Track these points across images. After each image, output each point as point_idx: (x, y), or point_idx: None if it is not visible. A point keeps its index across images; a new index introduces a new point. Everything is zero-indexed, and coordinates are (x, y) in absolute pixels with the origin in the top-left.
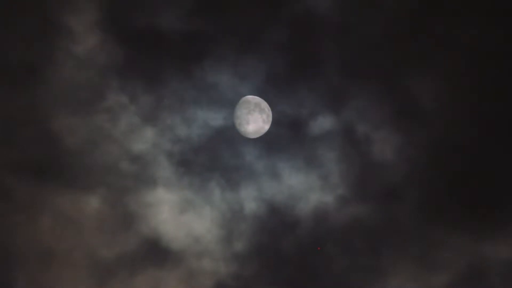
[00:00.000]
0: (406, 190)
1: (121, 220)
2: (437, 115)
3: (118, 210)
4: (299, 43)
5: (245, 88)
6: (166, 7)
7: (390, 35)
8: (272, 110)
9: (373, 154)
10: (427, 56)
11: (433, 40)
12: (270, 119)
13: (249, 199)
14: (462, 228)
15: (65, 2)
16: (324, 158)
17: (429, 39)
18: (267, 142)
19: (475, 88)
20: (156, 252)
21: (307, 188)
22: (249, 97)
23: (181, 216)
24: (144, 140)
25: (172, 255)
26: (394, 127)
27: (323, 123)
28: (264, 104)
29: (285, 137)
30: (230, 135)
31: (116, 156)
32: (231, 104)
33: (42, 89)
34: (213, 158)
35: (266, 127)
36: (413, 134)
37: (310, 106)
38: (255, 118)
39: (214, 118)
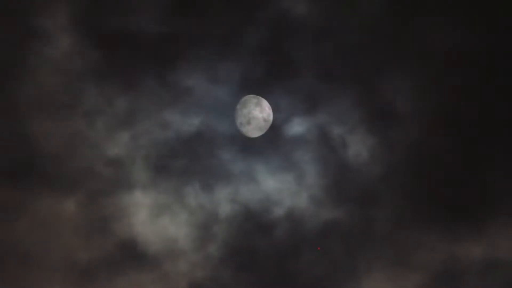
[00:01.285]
0: (381, 192)
1: (97, 223)
2: (412, 117)
3: (95, 214)
4: (275, 46)
5: (221, 92)
6: (142, 9)
7: (366, 37)
8: (247, 113)
9: (349, 157)
10: (404, 59)
11: (410, 43)
12: (271, 118)
13: (225, 202)
14: (437, 229)
15: (39, 5)
16: (300, 160)
17: (406, 42)
18: (243, 145)
19: (452, 89)
20: (133, 255)
21: (283, 191)
22: (250, 96)
23: (158, 219)
24: (121, 143)
25: (148, 258)
26: (370, 130)
27: (299, 125)
28: (265, 103)
29: (262, 140)
30: (206, 139)
31: (92, 160)
32: (206, 107)
33: (18, 93)
34: (189, 162)
35: (267, 126)
36: (389, 137)
37: (286, 109)
38: (255, 118)
39: (190, 122)
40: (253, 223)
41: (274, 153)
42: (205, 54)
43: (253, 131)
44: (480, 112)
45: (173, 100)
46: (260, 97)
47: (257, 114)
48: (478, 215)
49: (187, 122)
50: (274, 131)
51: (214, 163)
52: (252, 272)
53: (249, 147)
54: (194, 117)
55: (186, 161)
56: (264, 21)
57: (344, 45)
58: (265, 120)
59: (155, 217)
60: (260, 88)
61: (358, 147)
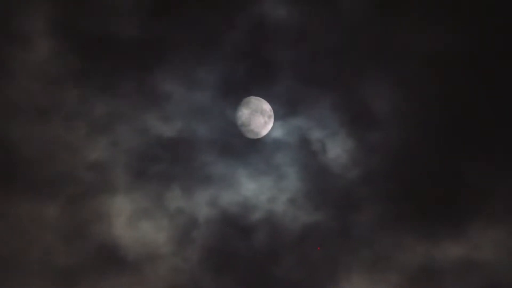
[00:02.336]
0: (361, 195)
1: (78, 227)
2: (391, 120)
3: (75, 218)
4: (255, 50)
5: (201, 96)
6: (122, 13)
7: (346, 41)
8: (227, 118)
9: (328, 160)
10: (384, 61)
11: (390, 45)
12: (272, 119)
13: (205, 206)
14: (417, 230)
15: (18, 8)
16: (280, 164)
17: (387, 44)
18: (223, 149)
19: (433, 91)
20: (113, 259)
21: (262, 194)
22: (252, 97)
23: (138, 223)
24: (101, 148)
25: (128, 262)
26: (349, 133)
27: (279, 129)
28: (267, 105)
29: (241, 144)
30: (186, 143)
31: (72, 164)
32: (186, 111)
33: None
34: (169, 166)
35: (268, 127)
36: (369, 140)
37: (266, 114)
38: (257, 119)
39: (170, 126)
40: (233, 226)
41: (254, 156)
42: (185, 58)
43: (253, 132)
44: (461, 113)
45: (153, 104)
46: (261, 99)
47: (258, 115)
48: (457, 216)
49: (167, 126)
50: (254, 135)
51: (194, 167)
52: (231, 276)
53: (229, 151)
54: (174, 121)
55: (166, 165)
56: (244, 24)
57: (324, 49)
58: (265, 122)
59: (135, 221)
60: (240, 92)
61: (338, 150)
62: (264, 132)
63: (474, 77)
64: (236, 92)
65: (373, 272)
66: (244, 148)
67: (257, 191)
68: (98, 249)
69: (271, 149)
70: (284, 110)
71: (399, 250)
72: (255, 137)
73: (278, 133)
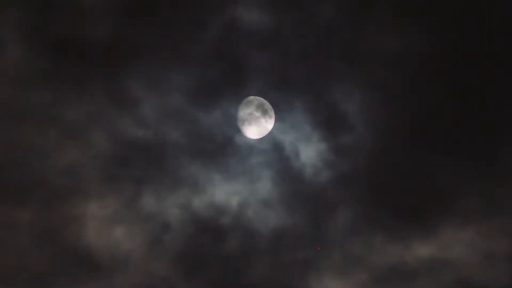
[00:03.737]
0: (333, 197)
1: (49, 232)
2: (362, 123)
3: (47, 223)
4: (227, 54)
5: (173, 99)
6: (92, 18)
7: (318, 44)
8: (199, 122)
9: (301, 163)
10: (356, 64)
11: (361, 48)
12: (273, 120)
13: (177, 210)
14: (388, 231)
15: None
16: (253, 168)
17: (358, 47)
18: (195, 153)
19: (401, 93)
20: (85, 264)
21: (235, 198)
22: (252, 97)
23: (110, 228)
24: (73, 153)
25: (100, 266)
26: (322, 136)
27: (252, 133)
28: (267, 105)
29: (213, 148)
30: (158, 147)
31: (45, 169)
32: (158, 115)
33: None
34: (141, 170)
35: (269, 127)
36: (341, 143)
37: (238, 117)
38: (257, 119)
39: (142, 130)
40: (205, 230)
41: (226, 160)
42: (156, 62)
43: (253, 132)
44: (429, 115)
45: (125, 107)
46: (262, 99)
47: (259, 115)
48: (427, 217)
49: (139, 130)
50: (227, 139)
51: (166, 171)
52: (204, 279)
53: (201, 154)
54: (146, 124)
55: (138, 169)
56: (216, 28)
57: (297, 52)
58: (266, 122)
59: (108, 225)
60: (211, 96)
61: (311, 153)
62: (264, 132)
63: (441, 77)
64: (208, 95)
65: (344, 273)
66: (216, 152)
67: (230, 195)
68: (71, 253)
69: (244, 152)
70: (257, 113)
71: (370, 251)
72: (255, 137)
73: (251, 137)
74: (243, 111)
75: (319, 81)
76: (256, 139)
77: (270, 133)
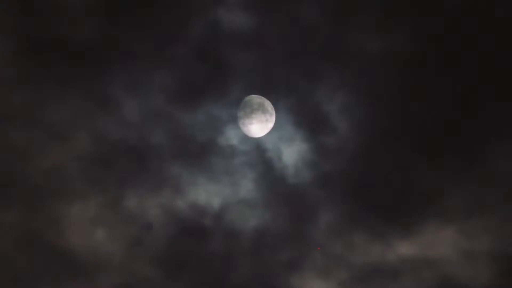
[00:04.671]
0: (314, 197)
1: (31, 234)
2: (344, 124)
3: (29, 225)
4: (209, 55)
5: (156, 101)
6: (71, 15)
7: (300, 45)
8: (182, 123)
9: (283, 164)
10: (338, 65)
11: (344, 49)
12: (274, 118)
13: (160, 211)
14: (369, 231)
15: None
16: (235, 168)
17: (340, 48)
18: (177, 154)
19: (383, 92)
20: (67, 265)
21: (218, 198)
22: (253, 96)
23: (92, 229)
24: (55, 155)
25: (82, 268)
26: (304, 137)
27: (234, 134)
28: (268, 104)
29: (196, 149)
30: (141, 149)
31: (27, 172)
32: (141, 116)
33: None
34: (124, 172)
35: (270, 126)
36: (323, 143)
37: (221, 117)
38: (258, 117)
39: (125, 131)
40: (188, 231)
41: (209, 161)
42: (139, 62)
43: (255, 130)
44: (411, 115)
45: (108, 109)
46: (263, 97)
47: (260, 113)
48: (408, 216)
49: (121, 132)
50: (209, 139)
51: (149, 172)
52: (186, 279)
53: (184, 156)
54: (129, 126)
55: (121, 171)
56: (198, 28)
57: (279, 53)
58: (267, 120)
59: (90, 227)
60: (194, 97)
61: (293, 154)
62: (265, 130)
63: (423, 78)
64: (190, 96)
65: (326, 273)
66: (199, 153)
67: (212, 195)
68: (53, 254)
69: (226, 153)
70: (239, 114)
71: (352, 251)
72: (255, 136)
73: (234, 137)
74: (244, 110)
75: (302, 81)
76: (239, 140)
77: (254, 133)
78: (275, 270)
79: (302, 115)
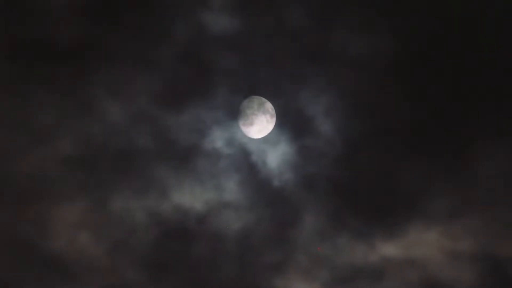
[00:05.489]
0: (297, 199)
1: (16, 238)
2: (328, 125)
3: (13, 228)
4: (193, 59)
5: (140, 103)
6: (55, 17)
7: (285, 49)
8: (167, 125)
9: (267, 166)
10: (323, 68)
11: (329, 53)
12: (274, 119)
13: (145, 214)
14: (354, 232)
15: None
16: (220, 172)
17: (326, 50)
18: (162, 157)
19: (367, 93)
20: (52, 269)
21: (202, 201)
22: (253, 97)
23: (77, 233)
24: (40, 158)
25: (67, 272)
26: (289, 140)
27: (219, 137)
28: (268, 105)
29: (181, 152)
30: (127, 151)
31: (12, 174)
32: (125, 119)
33: None
34: (110, 175)
35: (270, 127)
36: (307, 146)
37: (206, 121)
38: (259, 118)
39: (111, 135)
40: (173, 234)
41: (194, 164)
42: (124, 65)
43: (256, 132)
44: (395, 116)
45: (92, 112)
46: (263, 99)
47: (260, 115)
48: (394, 218)
49: (106, 134)
50: (195, 142)
51: (134, 175)
52: (171, 282)
53: (169, 158)
54: (113, 129)
55: (106, 174)
56: (183, 31)
57: (264, 55)
58: (267, 121)
59: (75, 230)
60: (179, 100)
61: (278, 156)
62: (266, 131)
63: (407, 78)
64: (175, 98)
65: (311, 275)
66: (184, 155)
67: (197, 198)
68: (37, 257)
69: (211, 156)
70: (225, 117)
71: (336, 252)
72: (257, 137)
73: (218, 141)
74: (244, 111)
75: (286, 83)
76: (223, 143)
77: (238, 137)
78: (259, 272)
79: (287, 117)
